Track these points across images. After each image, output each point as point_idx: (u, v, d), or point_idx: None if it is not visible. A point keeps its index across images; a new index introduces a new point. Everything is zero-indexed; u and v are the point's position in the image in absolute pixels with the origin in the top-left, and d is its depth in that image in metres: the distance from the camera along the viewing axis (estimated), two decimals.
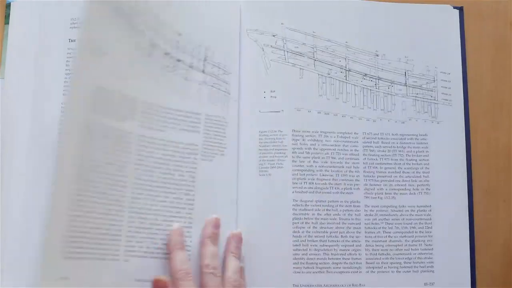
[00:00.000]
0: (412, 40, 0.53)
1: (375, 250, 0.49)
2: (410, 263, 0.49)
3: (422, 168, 0.50)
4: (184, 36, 0.49)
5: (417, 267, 0.49)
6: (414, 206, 0.50)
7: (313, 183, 0.49)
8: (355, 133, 0.50)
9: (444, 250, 0.49)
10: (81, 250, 0.41)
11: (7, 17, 0.52)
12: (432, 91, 0.52)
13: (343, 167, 0.50)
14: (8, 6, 0.52)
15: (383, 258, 0.49)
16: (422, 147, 0.51)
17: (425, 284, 0.48)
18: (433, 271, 0.49)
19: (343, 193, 0.49)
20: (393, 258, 0.49)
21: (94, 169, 0.42)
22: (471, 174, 0.51)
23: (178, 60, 0.49)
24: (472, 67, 0.53)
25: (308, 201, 0.49)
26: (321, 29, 0.52)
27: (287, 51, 0.51)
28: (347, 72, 0.52)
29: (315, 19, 0.52)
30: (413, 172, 0.50)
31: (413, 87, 0.52)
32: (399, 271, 0.48)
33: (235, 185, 0.49)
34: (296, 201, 0.49)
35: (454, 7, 0.54)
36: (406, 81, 0.52)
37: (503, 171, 0.52)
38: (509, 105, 0.53)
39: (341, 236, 0.49)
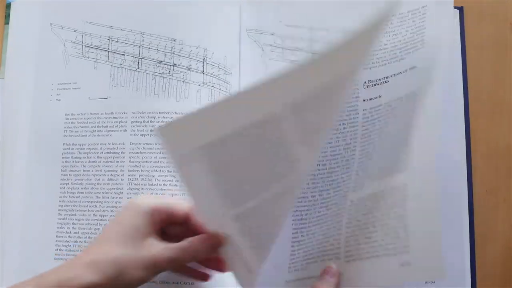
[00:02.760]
0: None
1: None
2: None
3: None
4: (179, 41, 0.49)
5: None
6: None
7: None
8: None
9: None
10: (75, 253, 0.47)
11: (7, 17, 0.52)
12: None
13: None
14: (8, 6, 0.52)
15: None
16: None
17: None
18: None
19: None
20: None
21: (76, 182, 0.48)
22: (471, 174, 0.51)
23: (174, 65, 0.49)
24: (472, 67, 0.53)
25: None
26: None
27: (283, 48, 0.51)
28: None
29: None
30: None
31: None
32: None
33: None
34: None
35: (455, 7, 0.53)
36: None
37: (503, 171, 0.52)
38: (509, 105, 0.53)
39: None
